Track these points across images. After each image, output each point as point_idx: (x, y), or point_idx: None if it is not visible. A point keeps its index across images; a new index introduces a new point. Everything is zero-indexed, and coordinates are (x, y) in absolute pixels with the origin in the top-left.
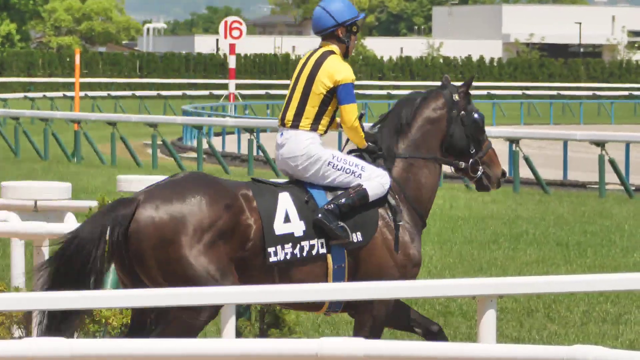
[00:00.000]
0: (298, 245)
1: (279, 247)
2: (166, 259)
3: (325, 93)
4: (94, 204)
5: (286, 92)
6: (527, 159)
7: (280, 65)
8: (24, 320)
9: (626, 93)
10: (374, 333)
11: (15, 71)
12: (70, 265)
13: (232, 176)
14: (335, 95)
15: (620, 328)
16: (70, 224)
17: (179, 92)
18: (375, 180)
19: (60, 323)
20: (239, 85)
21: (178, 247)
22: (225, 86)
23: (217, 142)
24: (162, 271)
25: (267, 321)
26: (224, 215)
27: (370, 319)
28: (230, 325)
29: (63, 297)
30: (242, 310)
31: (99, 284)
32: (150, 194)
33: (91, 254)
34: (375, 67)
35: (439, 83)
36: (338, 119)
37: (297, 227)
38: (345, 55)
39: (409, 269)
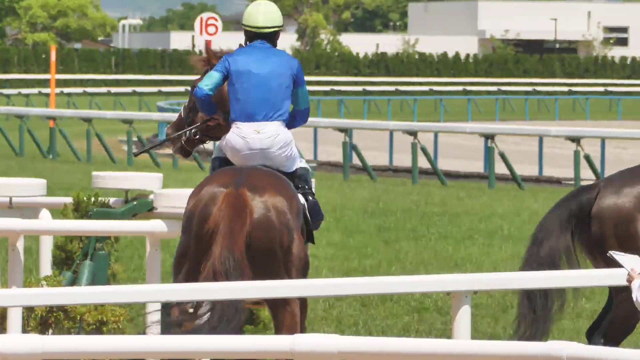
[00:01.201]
0: None
1: None
2: (626, 236)
3: None
4: (69, 200)
5: None
6: (502, 155)
7: None
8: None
9: (601, 89)
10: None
11: None
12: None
13: (207, 172)
14: None
15: None
16: (45, 220)
17: (155, 89)
18: None
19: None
20: None
21: (637, 224)
22: None
23: None
24: (622, 248)
25: None
26: None
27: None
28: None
29: (36, 294)
30: None
31: (572, 264)
32: (609, 180)
33: (558, 235)
34: (351, 64)
35: (414, 79)
36: None
37: None
38: None
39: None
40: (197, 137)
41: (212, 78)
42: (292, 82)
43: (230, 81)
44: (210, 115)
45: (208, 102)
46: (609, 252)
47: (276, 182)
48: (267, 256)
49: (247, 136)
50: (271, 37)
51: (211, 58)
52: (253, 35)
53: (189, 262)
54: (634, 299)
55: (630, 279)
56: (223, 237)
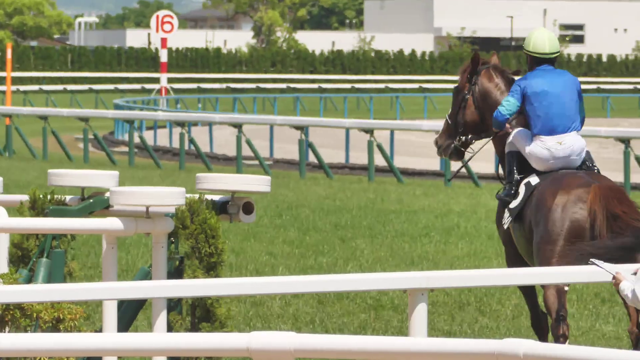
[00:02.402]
0: None
1: None
2: None
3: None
4: (25, 198)
5: (217, 86)
6: None
7: (212, 59)
8: None
9: None
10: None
11: None
12: None
13: (164, 170)
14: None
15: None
16: (1, 218)
17: (111, 86)
18: None
19: None
20: (171, 79)
21: None
22: (157, 80)
23: (148, 136)
24: None
25: (198, 315)
26: None
27: None
28: (161, 319)
29: None
30: (173, 304)
31: None
32: None
33: None
34: (307, 61)
35: (370, 77)
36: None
37: None
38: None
39: None
40: (472, 141)
41: (510, 104)
42: (578, 97)
43: (529, 101)
44: (500, 129)
45: (504, 122)
46: (590, 259)
47: (604, 177)
48: None
49: (551, 148)
50: (554, 61)
51: (475, 66)
52: (540, 60)
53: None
54: (627, 297)
55: (617, 282)
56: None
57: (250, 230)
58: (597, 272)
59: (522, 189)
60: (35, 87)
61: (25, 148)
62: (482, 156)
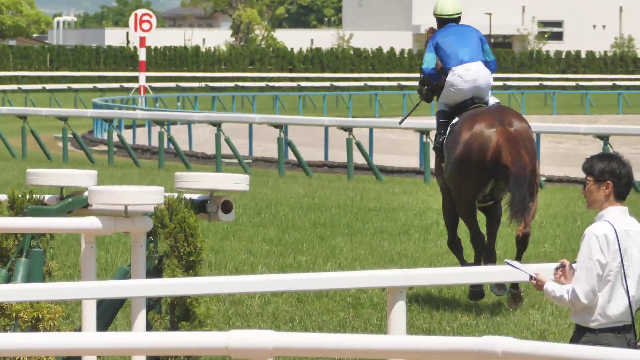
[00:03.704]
0: None
1: None
2: None
3: None
4: (4, 197)
5: (196, 84)
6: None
7: (191, 58)
8: None
9: (536, 83)
10: None
11: None
12: None
13: (143, 169)
14: None
15: (531, 319)
16: None
17: (90, 85)
18: None
19: None
20: (150, 77)
21: None
22: (135, 79)
23: (127, 134)
24: None
25: (177, 314)
26: None
27: None
28: (140, 318)
29: None
30: (152, 303)
31: None
32: None
33: None
34: (286, 59)
35: (349, 75)
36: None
37: None
38: None
39: None
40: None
41: (427, 58)
42: (480, 41)
43: (440, 48)
44: (436, 81)
45: (433, 74)
46: (506, 260)
47: (519, 116)
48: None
49: (461, 74)
50: (458, 20)
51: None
52: (446, 21)
53: (471, 182)
54: (561, 298)
55: (539, 284)
56: (510, 153)
57: (229, 228)
58: (511, 271)
59: (448, 130)
60: (14, 87)
61: (4, 147)
62: None
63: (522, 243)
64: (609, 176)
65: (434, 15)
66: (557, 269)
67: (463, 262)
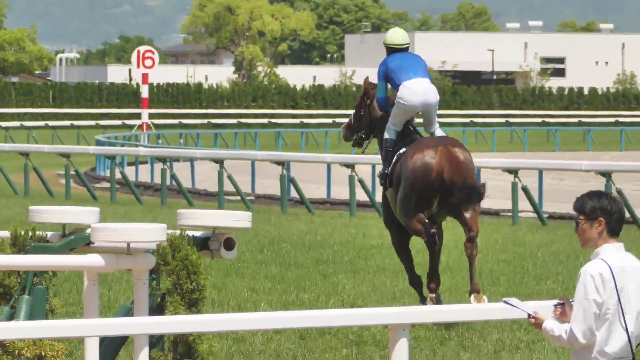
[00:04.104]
0: None
1: None
2: None
3: None
4: (6, 235)
5: (199, 121)
6: None
7: (193, 94)
8: None
9: (539, 120)
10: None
11: None
12: None
13: (145, 206)
14: None
15: (533, 356)
16: None
17: (92, 122)
18: None
19: None
20: (152, 114)
21: None
22: (138, 116)
23: (130, 171)
24: None
25: (180, 351)
26: None
27: None
28: (143, 355)
29: None
30: (155, 341)
31: None
32: None
33: None
34: (288, 96)
35: (352, 111)
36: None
37: None
38: None
39: None
40: (365, 136)
41: (380, 87)
42: (425, 66)
43: (391, 72)
44: (386, 111)
45: (385, 104)
46: (504, 299)
47: (462, 145)
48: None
49: (411, 87)
50: (406, 50)
51: (368, 90)
52: (395, 50)
53: (419, 199)
54: (560, 337)
55: (538, 322)
56: (452, 170)
57: (232, 266)
58: (510, 309)
59: (394, 159)
60: (17, 124)
61: (7, 184)
62: None
63: (471, 249)
64: (600, 213)
65: (384, 45)
66: (556, 305)
67: (423, 299)
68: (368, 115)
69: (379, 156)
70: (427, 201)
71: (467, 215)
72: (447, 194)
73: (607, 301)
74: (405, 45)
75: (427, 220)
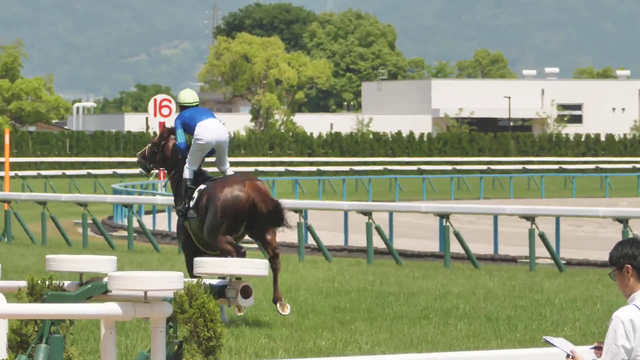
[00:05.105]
0: None
1: None
2: None
3: None
4: (23, 284)
5: (216, 169)
6: (457, 234)
7: None
8: None
9: (556, 166)
10: None
11: None
12: None
13: (162, 254)
14: None
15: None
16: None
17: (109, 171)
18: None
19: None
20: None
21: None
22: None
23: (147, 220)
24: None
25: None
26: None
27: None
28: None
29: None
30: None
31: None
32: None
33: None
34: (305, 144)
35: (368, 159)
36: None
37: None
38: None
39: None
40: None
41: (179, 134)
42: (214, 115)
43: (187, 120)
44: (183, 153)
45: (185, 148)
46: (544, 337)
47: (258, 179)
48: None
49: (207, 126)
50: (196, 106)
51: (163, 132)
52: (187, 107)
53: (231, 224)
54: None
55: None
56: (260, 199)
57: (249, 313)
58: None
59: (195, 194)
60: (34, 172)
61: (24, 233)
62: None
63: (276, 264)
64: (624, 260)
65: (177, 103)
66: (594, 348)
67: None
68: (162, 153)
69: (396, 204)
70: (237, 227)
71: (269, 237)
72: (257, 220)
73: (636, 348)
74: (196, 103)
75: (234, 242)
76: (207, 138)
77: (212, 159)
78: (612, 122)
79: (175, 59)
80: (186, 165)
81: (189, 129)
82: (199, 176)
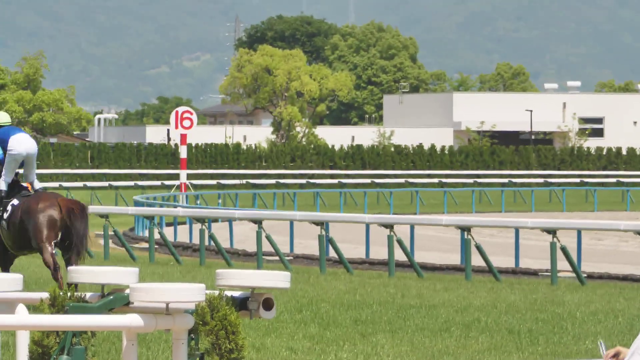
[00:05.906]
0: None
1: None
2: None
3: None
4: (45, 295)
5: (237, 181)
6: (478, 247)
7: (232, 155)
8: None
9: (577, 180)
10: None
11: None
12: None
13: (184, 266)
14: None
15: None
16: (21, 315)
17: (131, 183)
18: None
19: None
20: (191, 175)
21: None
22: (176, 176)
23: (168, 232)
24: None
25: None
26: None
27: None
28: None
29: None
30: None
31: None
32: None
33: None
34: (327, 156)
35: (390, 171)
36: None
37: None
38: None
39: None
40: None
41: None
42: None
43: (4, 136)
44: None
45: (1, 160)
46: (599, 340)
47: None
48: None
49: (19, 139)
50: (9, 125)
51: None
52: (1, 127)
53: (54, 232)
54: None
55: None
56: (74, 210)
57: (271, 325)
58: None
59: (9, 208)
60: (55, 184)
61: None
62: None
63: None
64: None
65: None
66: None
67: None
68: None
69: (418, 217)
70: (57, 234)
71: (73, 258)
72: (69, 234)
73: None
74: (9, 123)
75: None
76: (20, 150)
77: (21, 170)
78: (634, 136)
79: (196, 71)
80: (2, 178)
81: (4, 143)
82: (14, 189)
